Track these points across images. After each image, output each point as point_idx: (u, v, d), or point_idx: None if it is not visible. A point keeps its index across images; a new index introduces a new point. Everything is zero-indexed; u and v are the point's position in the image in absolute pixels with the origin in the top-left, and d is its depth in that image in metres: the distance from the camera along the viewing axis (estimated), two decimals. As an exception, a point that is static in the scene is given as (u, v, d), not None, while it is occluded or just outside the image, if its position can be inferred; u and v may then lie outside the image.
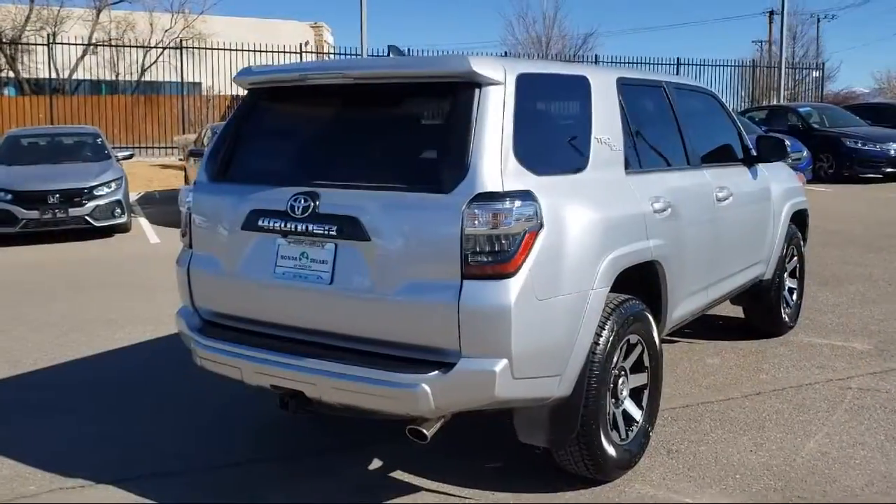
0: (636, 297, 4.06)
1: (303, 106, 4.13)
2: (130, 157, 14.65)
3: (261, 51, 24.29)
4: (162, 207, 15.50)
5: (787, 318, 6.49)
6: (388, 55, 4.35)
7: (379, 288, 3.49)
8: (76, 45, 26.66)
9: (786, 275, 6.39)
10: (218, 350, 3.94)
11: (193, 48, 23.77)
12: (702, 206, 4.88)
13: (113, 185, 12.18)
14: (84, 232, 12.14)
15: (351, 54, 24.71)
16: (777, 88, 24.31)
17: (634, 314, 3.99)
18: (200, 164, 4.26)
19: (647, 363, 4.22)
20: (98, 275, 9.70)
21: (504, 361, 3.31)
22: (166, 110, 24.46)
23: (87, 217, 11.83)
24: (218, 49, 23.67)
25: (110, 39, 32.03)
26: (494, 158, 3.36)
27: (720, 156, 5.49)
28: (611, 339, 3.79)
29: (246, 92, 4.29)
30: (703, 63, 27.76)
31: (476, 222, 3.29)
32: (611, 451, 3.91)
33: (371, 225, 3.48)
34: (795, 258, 6.62)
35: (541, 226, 3.39)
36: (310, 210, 3.63)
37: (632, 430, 4.13)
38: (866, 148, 18.01)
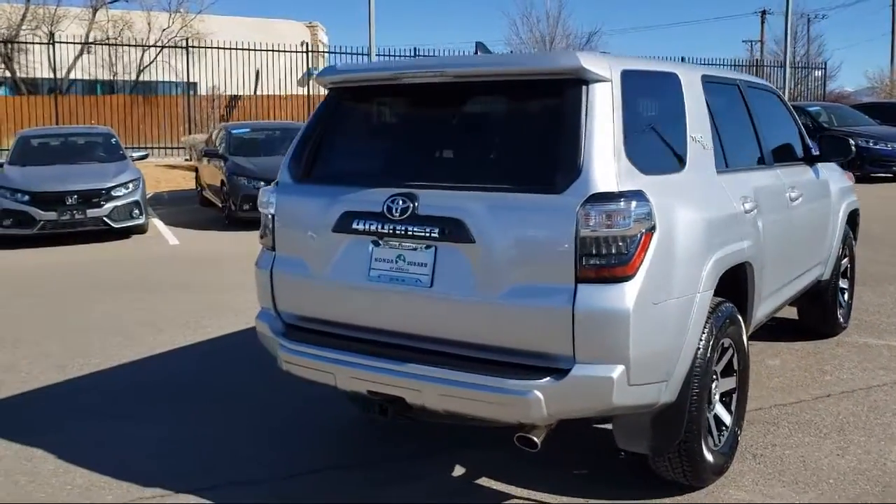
0: (728, 300, 3.98)
1: (395, 105, 4.03)
2: (145, 157, 14.50)
3: (269, 50, 24.16)
4: (173, 208, 15.36)
5: (841, 319, 6.43)
6: (476, 52, 4.24)
7: (484, 291, 3.39)
8: (79, 43, 26.46)
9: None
10: (308, 354, 3.83)
11: (199, 47, 23.53)
12: (779, 206, 4.82)
13: (130, 185, 12.04)
14: (100, 233, 11.99)
15: (349, 53, 24.62)
16: (782, 88, 24.33)
17: (729, 317, 3.91)
18: (282, 165, 4.15)
19: (735, 367, 4.15)
20: (124, 277, 9.56)
21: (621, 368, 3.23)
22: (169, 110, 24.24)
23: (105, 218, 11.68)
24: (227, 49, 23.48)
25: (107, 38, 31.74)
26: (608, 158, 3.28)
27: (787, 155, 5.42)
28: (710, 342, 3.71)
29: (327, 91, 4.17)
30: (706, 62, 27.72)
31: (592, 224, 3.20)
32: (709, 456, 3.83)
33: (476, 226, 3.38)
34: (846, 258, 6.57)
35: (654, 227, 3.31)
36: (409, 212, 3.53)
37: (723, 435, 4.05)
38: (877, 147, 18.03)
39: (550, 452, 4.37)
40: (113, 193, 11.79)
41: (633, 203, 3.23)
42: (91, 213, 11.56)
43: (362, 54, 23.42)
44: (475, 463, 4.33)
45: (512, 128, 3.70)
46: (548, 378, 3.25)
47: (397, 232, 3.56)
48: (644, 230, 3.25)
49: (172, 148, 22.77)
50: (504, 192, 3.40)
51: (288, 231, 4.05)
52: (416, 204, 3.53)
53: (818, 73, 31.75)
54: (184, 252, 11.27)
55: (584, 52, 3.44)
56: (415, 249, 3.57)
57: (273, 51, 24.47)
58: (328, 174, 4.00)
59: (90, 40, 29.69)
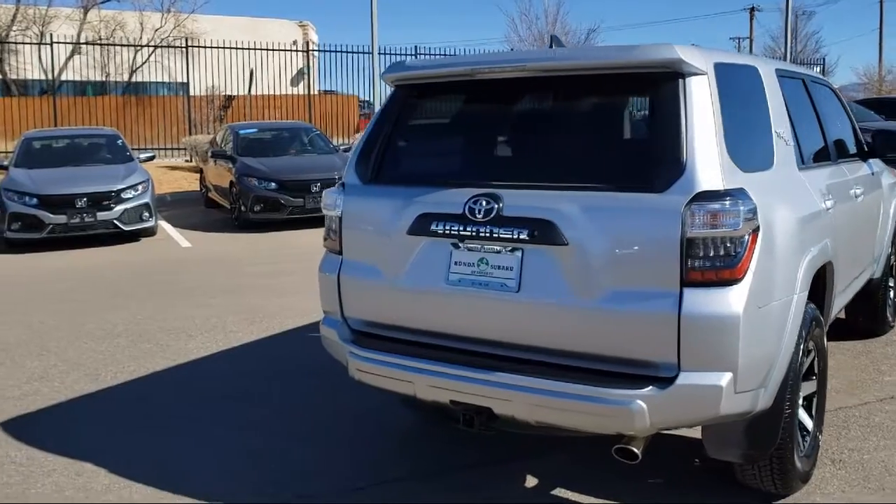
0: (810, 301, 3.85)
1: (471, 101, 3.87)
2: (152, 158, 14.27)
3: (270, 49, 23.90)
4: (178, 210, 15.13)
5: (890, 318, 6.33)
6: (551, 46, 4.08)
7: (578, 296, 3.24)
8: (78, 43, 26.12)
9: (886, 273, 6.24)
10: (383, 363, 3.67)
11: (199, 47, 23.24)
12: (848, 202, 4.70)
13: (140, 187, 11.83)
14: (109, 237, 11.77)
15: (351, 52, 24.40)
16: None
17: (814, 318, 3.78)
18: (348, 166, 3.98)
19: (816, 369, 4.01)
20: (140, 281, 9.36)
21: (729, 375, 3.08)
22: (165, 111, 23.95)
23: (115, 221, 11.47)
24: (227, 48, 23.22)
25: (100, 38, 31.39)
26: (712, 154, 3.13)
27: (845, 150, 5.29)
28: (801, 345, 3.57)
29: (393, 88, 4.01)
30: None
31: (698, 224, 3.05)
32: (798, 463, 3.69)
33: (569, 228, 3.23)
34: (893, 256, 6.46)
35: (758, 227, 3.16)
36: (493, 213, 3.37)
37: (806, 440, 3.92)
38: (886, 143, 17.91)
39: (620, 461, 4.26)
40: (123, 196, 11.58)
41: (741, 202, 3.08)
42: (101, 216, 11.34)
43: (365, 53, 23.19)
44: (545, 471, 4.19)
45: (603, 124, 3.54)
46: (650, 387, 3.10)
47: (481, 234, 3.40)
48: (751, 230, 3.11)
49: (171, 149, 22.48)
50: (598, 191, 3.25)
51: (357, 234, 3.89)
52: (501, 205, 3.37)
53: (817, 70, 31.75)
54: (197, 255, 11.07)
55: (680, 45, 3.29)
56: (499, 252, 3.41)
57: (274, 50, 24.23)
58: (399, 175, 3.84)
59: (82, 40, 29.27)
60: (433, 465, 4.31)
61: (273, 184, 12.57)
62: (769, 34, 41.08)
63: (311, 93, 27.19)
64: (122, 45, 27.66)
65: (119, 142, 13.38)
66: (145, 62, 31.77)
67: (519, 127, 3.70)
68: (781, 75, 4.23)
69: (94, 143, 13.35)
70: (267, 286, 8.88)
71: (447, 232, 3.48)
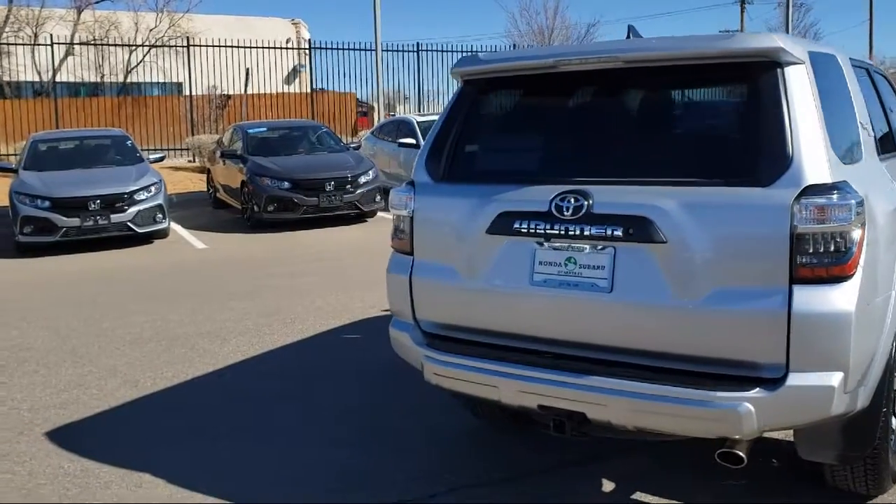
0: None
1: (552, 95, 3.73)
2: (162, 159, 14.07)
3: (279, 48, 23.68)
4: (186, 211, 14.94)
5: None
6: (628, 36, 3.96)
7: (677, 296, 3.12)
8: (78, 43, 25.86)
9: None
10: (463, 366, 3.54)
11: (200, 46, 22.99)
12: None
13: (153, 189, 11.66)
14: (122, 239, 11.58)
15: (354, 49, 24.19)
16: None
17: (901, 314, 3.66)
18: (417, 164, 3.86)
19: (898, 366, 3.90)
20: (161, 284, 9.20)
21: (840, 375, 2.97)
22: (166, 111, 23.73)
23: (129, 223, 11.29)
24: (229, 47, 23.01)
25: (94, 38, 31.10)
26: (817, 146, 3.02)
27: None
28: (894, 343, 3.47)
29: (461, 84, 3.88)
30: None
31: (808, 219, 2.93)
32: (893, 463, 3.59)
33: (667, 225, 3.11)
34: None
35: (864, 222, 3.05)
36: (582, 210, 3.25)
37: (891, 439, 3.81)
38: None
39: (700, 461, 4.15)
40: (136, 197, 11.40)
41: (850, 196, 2.97)
42: (115, 218, 11.16)
43: (369, 50, 23.02)
44: (622, 474, 4.10)
45: (697, 116, 3.43)
46: (757, 389, 2.99)
47: (569, 233, 3.28)
48: (860, 224, 3.00)
49: (173, 149, 22.24)
50: (697, 186, 3.13)
51: (430, 234, 3.76)
52: (591, 202, 3.25)
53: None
54: (214, 256, 10.91)
55: (777, 34, 3.17)
56: (589, 251, 3.29)
57: (276, 48, 24.03)
58: (475, 172, 3.72)
59: (77, 41, 28.99)
60: (505, 470, 4.20)
61: (286, 183, 12.41)
62: (767, 26, 40.96)
63: (311, 91, 26.96)
64: (123, 46, 27.43)
65: (128, 143, 13.19)
66: (140, 62, 31.50)
67: (606, 121, 3.56)
68: (854, 65, 4.12)
69: (103, 145, 13.16)
70: (290, 287, 8.74)
71: (532, 231, 3.36)
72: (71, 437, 4.82)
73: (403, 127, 15.66)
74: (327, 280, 9.01)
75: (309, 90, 26.68)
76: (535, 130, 3.74)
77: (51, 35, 24.15)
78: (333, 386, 5.56)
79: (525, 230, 3.37)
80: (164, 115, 23.94)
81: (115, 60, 31.60)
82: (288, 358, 6.30)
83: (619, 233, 3.17)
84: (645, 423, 3.19)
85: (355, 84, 25.56)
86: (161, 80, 29.91)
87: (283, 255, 10.74)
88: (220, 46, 22.73)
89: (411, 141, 14.94)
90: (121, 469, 4.34)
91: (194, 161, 19.92)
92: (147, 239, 11.89)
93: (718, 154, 3.24)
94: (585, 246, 3.29)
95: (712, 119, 3.43)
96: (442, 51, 25.19)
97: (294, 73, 35.15)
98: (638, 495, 3.89)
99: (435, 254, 3.74)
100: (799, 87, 3.10)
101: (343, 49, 23.59)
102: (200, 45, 22.63)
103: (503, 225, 3.44)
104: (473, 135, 3.78)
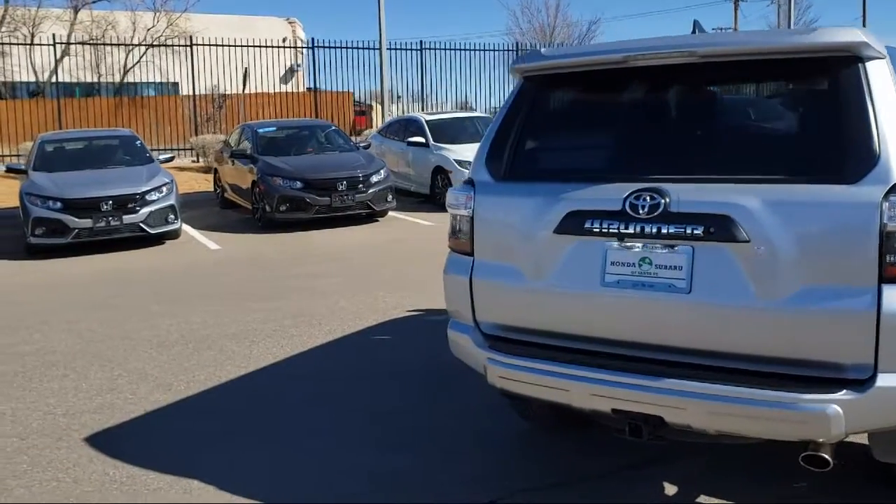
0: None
1: (620, 91, 3.65)
2: (171, 159, 13.95)
3: (288, 46, 23.53)
4: (194, 211, 14.79)
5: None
6: (693, 31, 3.88)
7: (760, 297, 3.04)
8: (83, 43, 25.67)
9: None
10: (531, 369, 3.46)
11: (202, 45, 22.82)
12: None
13: (164, 189, 11.54)
14: (133, 240, 11.46)
15: (356, 48, 24.05)
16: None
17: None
18: (476, 163, 3.78)
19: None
20: (179, 285, 9.10)
21: None
22: (168, 111, 23.56)
23: (141, 224, 11.17)
24: (230, 46, 22.86)
25: (91, 38, 30.89)
26: None
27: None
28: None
29: (521, 80, 3.80)
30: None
31: None
32: (969, 466, 3.52)
33: (750, 223, 3.03)
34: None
35: None
36: (659, 209, 3.18)
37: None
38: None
39: (756, 463, 4.08)
40: (148, 198, 11.28)
41: None
42: (127, 219, 11.04)
43: (373, 49, 22.91)
44: (683, 477, 4.03)
45: (776, 112, 3.36)
46: (844, 390, 2.92)
47: (645, 232, 3.20)
48: None
49: (175, 149, 22.05)
50: (779, 183, 3.06)
51: (492, 234, 3.68)
52: (668, 200, 3.18)
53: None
54: (229, 257, 10.81)
55: (860, 28, 3.10)
56: (666, 251, 3.21)
57: (278, 47, 23.90)
58: (539, 170, 3.64)
59: (76, 41, 28.79)
60: (560, 474, 4.12)
61: (299, 183, 12.31)
62: (766, 22, 40.99)
63: (307, 90, 26.86)
64: (126, 45, 27.22)
65: (137, 143, 13.07)
66: (137, 63, 31.29)
67: (679, 117, 3.49)
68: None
69: (112, 145, 13.03)
70: (311, 288, 8.65)
71: (605, 230, 3.28)
72: (111, 443, 4.73)
73: (412, 126, 15.59)
74: (347, 281, 8.93)
75: (311, 89, 26.53)
76: (603, 127, 3.67)
77: (53, 35, 23.94)
78: (369, 388, 5.48)
79: (597, 230, 3.29)
80: (166, 116, 23.77)
81: (112, 60, 31.38)
82: (319, 360, 6.21)
83: (699, 232, 3.10)
84: (726, 427, 3.12)
85: (350, 83, 25.28)
86: (159, 80, 29.75)
87: (299, 256, 10.64)
88: (224, 46, 22.57)
89: (420, 140, 14.88)
90: (167, 475, 4.25)
91: (198, 161, 19.78)
92: (158, 240, 11.78)
93: (801, 151, 3.16)
94: (661, 246, 3.21)
95: (792, 115, 3.35)
96: (446, 49, 25.02)
97: (291, 72, 35.05)
98: (703, 499, 3.82)
99: (497, 254, 3.66)
100: (882, 81, 3.03)
101: (346, 48, 23.44)
102: (203, 45, 22.45)
103: (572, 224, 3.36)
104: (536, 132, 3.70)
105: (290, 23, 45.26)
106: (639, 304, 3.27)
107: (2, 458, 4.56)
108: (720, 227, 3.07)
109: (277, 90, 27.69)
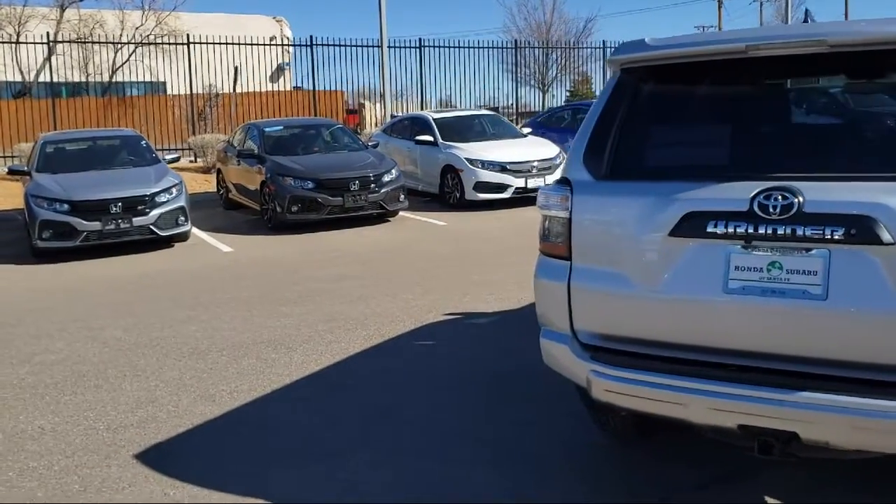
0: None
1: (741, 82, 3.42)
2: (177, 160, 13.62)
3: (295, 45, 23.18)
4: (198, 212, 14.36)
5: None
6: (805, 20, 3.67)
7: (909, 302, 2.83)
8: (82, 42, 25.18)
9: None
10: (645, 383, 3.23)
11: (201, 43, 22.40)
12: None
13: (174, 190, 11.22)
14: (141, 243, 11.13)
15: (359, 46, 23.72)
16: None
17: None
18: (572, 161, 3.54)
19: None
20: (199, 289, 8.79)
21: None
22: (165, 111, 23.15)
23: (151, 227, 10.85)
24: (231, 44, 22.51)
25: (78, 37, 30.39)
26: None
27: None
28: None
29: (619, 73, 3.57)
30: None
31: None
32: None
33: (895, 224, 2.82)
34: None
35: None
36: (793, 209, 2.96)
37: None
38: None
39: (853, 474, 3.88)
40: (157, 199, 10.96)
41: None
42: (137, 221, 10.71)
43: (374, 46, 22.61)
44: (784, 489, 3.82)
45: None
46: None
47: (777, 234, 2.98)
48: None
49: (168, 149, 21.67)
50: None
51: (593, 237, 3.45)
52: (801, 199, 2.96)
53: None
54: (243, 259, 10.52)
55: None
56: (798, 255, 2.99)
57: (279, 45, 23.58)
58: (647, 169, 3.41)
59: (64, 39, 28.31)
60: (655, 489, 3.90)
61: (310, 183, 12.03)
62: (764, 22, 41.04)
63: (297, 88, 26.51)
64: (122, 43, 26.78)
65: (143, 143, 12.73)
66: (126, 62, 30.83)
67: (807, 110, 3.28)
68: None
69: (116, 145, 12.67)
70: (336, 291, 8.39)
71: (730, 233, 3.06)
72: (163, 460, 4.47)
73: (418, 124, 15.33)
74: (372, 283, 8.67)
75: (298, 87, 26.21)
76: (720, 121, 3.44)
77: (47, 33, 23.49)
78: (426, 397, 5.24)
79: (722, 232, 3.07)
80: (160, 115, 23.35)
81: (101, 59, 30.88)
82: (365, 367, 5.96)
83: (838, 234, 2.88)
84: (869, 443, 2.91)
85: (350, 83, 24.94)
86: (148, 80, 29.33)
87: (315, 258, 10.37)
88: (223, 44, 22.19)
89: (429, 138, 14.63)
90: (233, 496, 4.01)
91: (195, 161, 19.43)
92: (167, 242, 11.46)
93: None
94: (795, 249, 2.99)
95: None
96: (447, 46, 24.76)
97: (279, 70, 34.70)
98: (811, 513, 3.62)
99: (599, 258, 3.43)
100: None
101: (344, 46, 23.14)
102: (201, 43, 22.06)
103: (692, 226, 3.14)
104: (641, 127, 3.47)
105: (277, 21, 44.99)
106: (767, 312, 3.05)
107: (51, 478, 4.29)
108: (862, 229, 2.85)
109: (266, 89, 27.32)
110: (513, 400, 5.08)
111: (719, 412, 3.10)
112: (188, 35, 22.13)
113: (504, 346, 6.19)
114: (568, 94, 37.13)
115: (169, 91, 26.23)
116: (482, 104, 26.04)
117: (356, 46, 23.12)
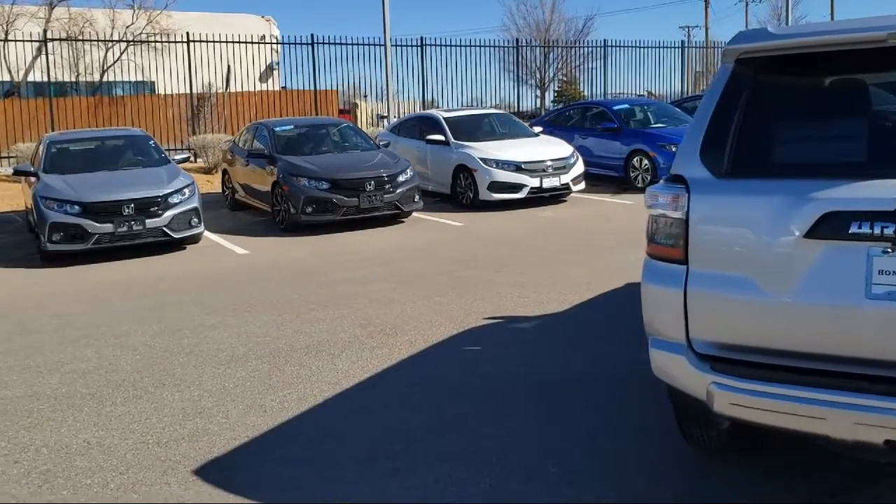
0: None
1: (880, 72, 3.21)
2: (186, 160, 13.30)
3: (290, 42, 22.95)
4: (203, 214, 14.16)
5: None
6: None
7: None
8: (80, 40, 24.77)
9: None
10: (775, 396, 3.01)
11: (201, 42, 22.02)
12: None
13: (186, 191, 10.92)
14: (152, 246, 10.82)
15: (362, 45, 23.44)
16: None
17: None
18: (686, 158, 3.31)
19: None
20: (222, 293, 8.51)
21: None
22: (163, 110, 22.76)
23: (164, 228, 10.54)
24: (231, 42, 22.16)
25: (68, 36, 29.92)
26: None
27: None
28: None
29: (733, 64, 3.34)
30: (713, 46, 27.46)
31: None
32: None
33: None
34: None
35: None
36: None
37: None
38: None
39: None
40: (170, 201, 10.65)
41: None
42: (150, 223, 10.41)
43: (377, 45, 22.33)
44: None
45: None
46: None
47: None
48: None
49: (172, 149, 21.31)
50: None
51: (713, 239, 3.23)
52: None
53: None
54: (260, 262, 10.24)
55: None
56: (951, 258, 2.78)
57: (280, 44, 23.28)
58: (774, 165, 3.19)
59: (55, 37, 27.83)
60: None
61: (325, 183, 11.76)
62: (758, 22, 41.15)
63: (284, 88, 26.22)
64: (124, 42, 26.39)
65: (151, 143, 12.41)
66: (117, 60, 30.41)
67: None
68: None
69: (124, 145, 12.33)
70: (365, 294, 8.13)
71: (875, 234, 2.85)
72: (225, 476, 4.22)
73: (428, 123, 15.09)
74: (400, 286, 8.43)
75: (309, 88, 25.85)
76: (854, 115, 3.22)
77: (44, 31, 23.06)
78: (493, 406, 5.01)
79: (866, 234, 2.85)
80: (154, 114, 22.95)
81: (91, 59, 30.44)
82: (417, 374, 5.72)
83: None
84: None
85: (350, 81, 24.68)
86: (140, 79, 28.93)
87: (335, 260, 10.11)
88: (223, 42, 21.85)
89: (440, 138, 14.40)
90: (314, 515, 3.75)
91: (195, 161, 19.08)
92: (179, 244, 11.16)
93: None
94: None
95: None
96: (449, 45, 24.50)
97: (269, 70, 34.38)
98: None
99: (721, 262, 3.21)
100: None
101: (346, 44, 22.84)
102: (200, 41, 21.70)
103: (831, 227, 2.92)
104: (765, 122, 3.25)
105: (265, 20, 44.74)
106: (916, 320, 2.83)
107: (107, 496, 4.03)
108: None
109: (257, 88, 26.99)
110: (577, 409, 4.87)
111: (864, 427, 2.88)
112: (188, 33, 21.74)
113: (555, 352, 5.98)
114: (555, 95, 36.90)
115: (161, 90, 25.85)
116: (480, 104, 25.79)
117: (357, 45, 22.82)
